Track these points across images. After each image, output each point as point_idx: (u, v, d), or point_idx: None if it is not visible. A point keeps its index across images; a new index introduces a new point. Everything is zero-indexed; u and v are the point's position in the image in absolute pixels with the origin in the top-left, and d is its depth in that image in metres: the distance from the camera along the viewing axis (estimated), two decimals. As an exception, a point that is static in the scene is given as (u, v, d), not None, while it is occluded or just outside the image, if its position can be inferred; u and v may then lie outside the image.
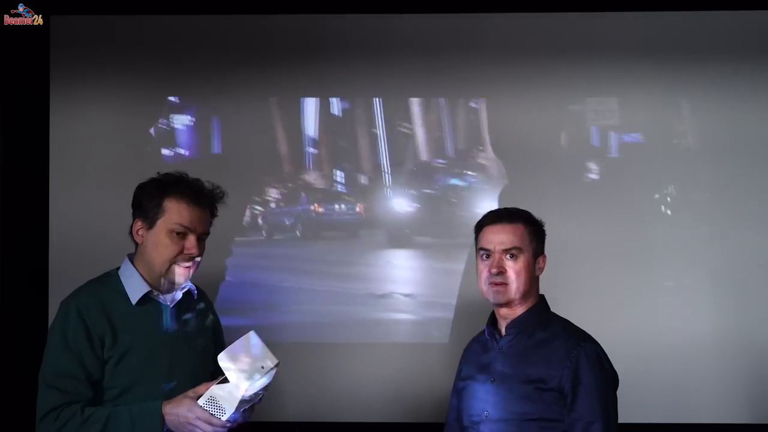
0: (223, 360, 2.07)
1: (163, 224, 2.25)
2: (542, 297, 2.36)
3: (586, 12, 3.53)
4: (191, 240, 2.26)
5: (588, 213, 3.48)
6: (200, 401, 2.12)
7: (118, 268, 2.32)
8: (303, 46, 3.55)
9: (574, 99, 3.51)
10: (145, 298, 2.27)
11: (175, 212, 2.24)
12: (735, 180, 3.49)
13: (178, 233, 2.25)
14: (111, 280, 2.29)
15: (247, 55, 3.55)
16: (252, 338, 2.15)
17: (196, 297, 2.41)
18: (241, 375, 2.07)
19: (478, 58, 3.52)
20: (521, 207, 2.39)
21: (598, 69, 3.51)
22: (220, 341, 2.50)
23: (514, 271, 2.27)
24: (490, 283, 2.28)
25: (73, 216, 3.49)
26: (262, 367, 2.11)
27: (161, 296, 2.30)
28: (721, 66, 3.49)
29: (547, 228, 2.38)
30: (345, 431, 3.50)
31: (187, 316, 2.35)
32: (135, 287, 2.26)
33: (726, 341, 3.45)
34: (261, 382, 2.11)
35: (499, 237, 2.29)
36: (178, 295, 2.33)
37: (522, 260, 2.27)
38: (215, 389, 2.11)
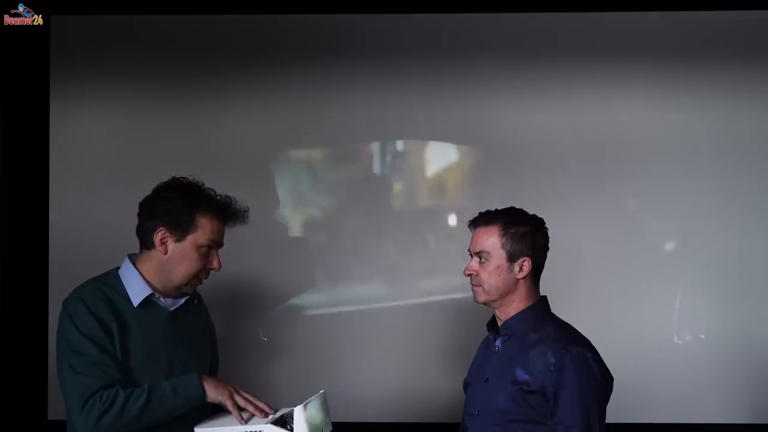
0: (300, 413, 2.13)
1: (193, 239, 2.25)
2: (543, 299, 2.36)
3: (586, 12, 3.52)
4: (215, 255, 2.30)
5: (587, 213, 3.48)
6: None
7: (118, 268, 2.31)
8: (307, 46, 3.54)
9: (574, 99, 3.50)
10: (146, 300, 2.26)
11: (208, 229, 2.26)
12: (735, 179, 3.48)
13: (205, 248, 2.27)
14: (112, 280, 2.28)
15: (250, 56, 3.54)
16: (324, 398, 2.26)
17: (195, 301, 2.41)
18: (307, 428, 2.14)
19: (475, 59, 3.52)
20: (519, 207, 2.39)
21: (598, 69, 3.50)
22: (215, 346, 2.51)
23: (483, 274, 2.29)
24: (471, 284, 2.33)
25: (73, 217, 3.48)
26: (322, 431, 2.23)
27: (162, 299, 2.29)
28: (723, 65, 3.48)
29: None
30: (345, 431, 3.49)
31: (187, 319, 2.35)
32: (136, 289, 2.25)
33: (726, 341, 3.45)
34: None
35: (474, 240, 2.33)
36: (181, 300, 2.33)
37: (491, 264, 2.29)
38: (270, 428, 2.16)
